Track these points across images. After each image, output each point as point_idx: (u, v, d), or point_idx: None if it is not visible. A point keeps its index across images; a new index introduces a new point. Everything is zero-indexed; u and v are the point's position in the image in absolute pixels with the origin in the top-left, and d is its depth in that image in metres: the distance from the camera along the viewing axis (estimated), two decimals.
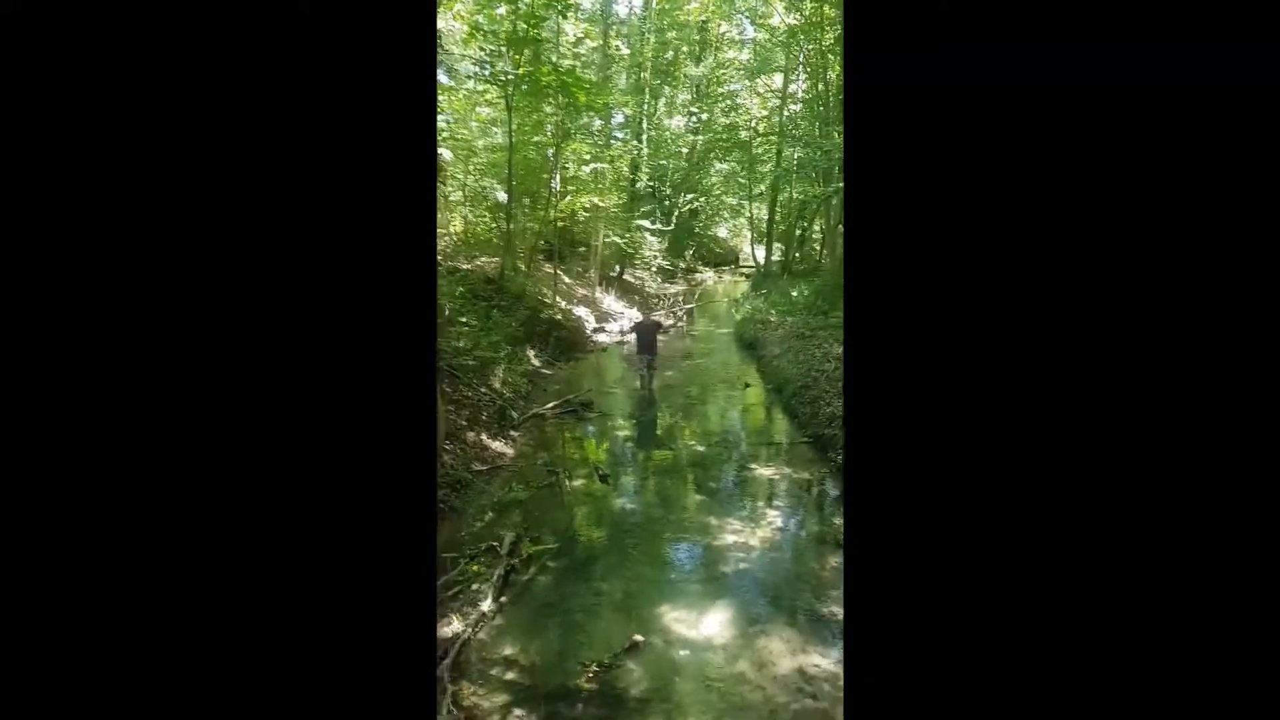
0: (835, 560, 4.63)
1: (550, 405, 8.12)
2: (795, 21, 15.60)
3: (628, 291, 17.52)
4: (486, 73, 11.28)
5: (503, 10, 10.62)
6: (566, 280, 14.95)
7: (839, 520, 5.27)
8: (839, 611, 4.01)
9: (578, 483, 6.03)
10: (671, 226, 20.52)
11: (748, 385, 9.46)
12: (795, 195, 18.77)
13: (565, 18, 13.27)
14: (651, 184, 21.46)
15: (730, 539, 4.93)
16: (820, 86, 16.19)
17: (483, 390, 7.61)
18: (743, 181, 22.21)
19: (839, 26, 14.20)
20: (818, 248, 20.17)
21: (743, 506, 5.58)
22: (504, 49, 10.79)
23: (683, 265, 22.97)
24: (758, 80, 20.89)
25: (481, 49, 10.88)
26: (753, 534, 5.01)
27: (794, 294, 14.23)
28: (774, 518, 5.36)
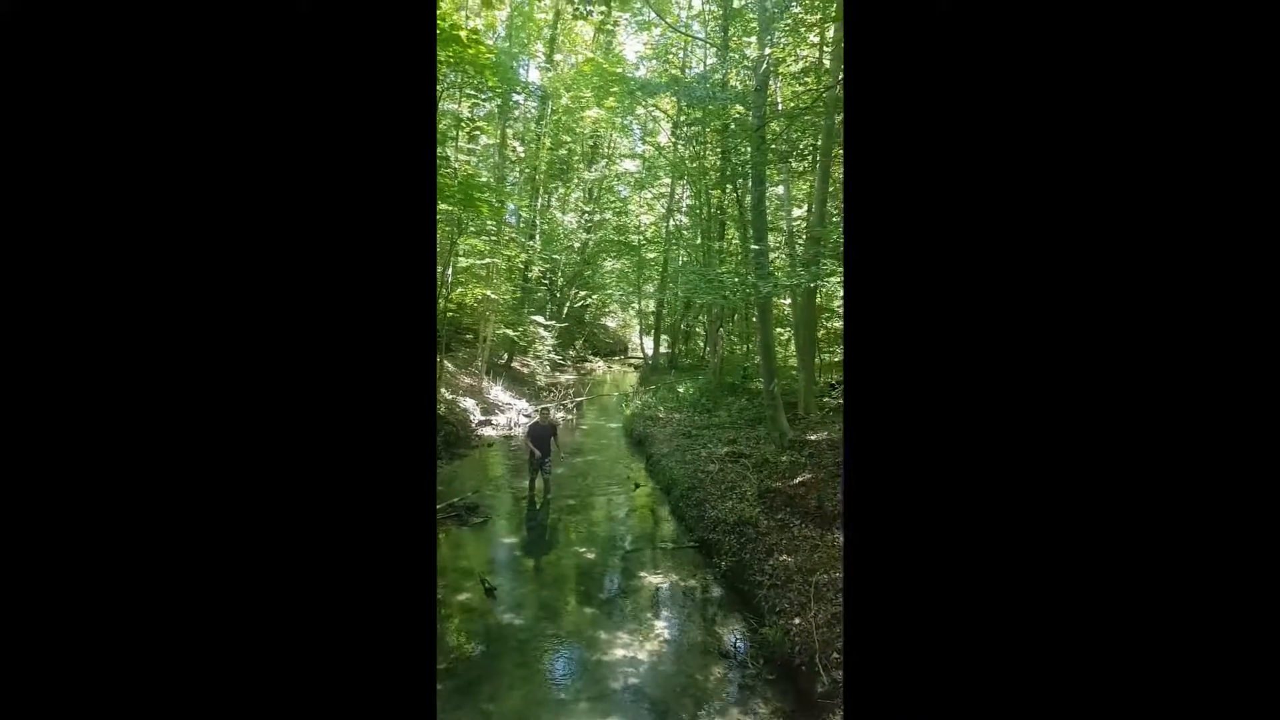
0: (718, 670, 4.80)
1: None
2: (681, 144, 16.98)
3: (516, 381, 17.47)
4: None
5: None
6: (451, 369, 14.77)
7: (720, 629, 5.47)
8: None
9: (461, 596, 5.88)
10: (564, 321, 20.91)
11: (637, 486, 9.63)
12: (680, 295, 19.79)
13: (465, 130, 13.77)
14: (545, 279, 21.96)
15: (619, 653, 4.98)
16: (703, 196, 17.54)
17: None
18: (632, 278, 23.22)
19: (718, 153, 15.60)
20: (701, 343, 21.20)
21: (631, 617, 5.65)
22: None
23: (572, 354, 23.31)
24: (645, 191, 22.22)
25: None
26: (640, 647, 5.09)
27: (680, 390, 14.82)
28: (661, 628, 5.47)
